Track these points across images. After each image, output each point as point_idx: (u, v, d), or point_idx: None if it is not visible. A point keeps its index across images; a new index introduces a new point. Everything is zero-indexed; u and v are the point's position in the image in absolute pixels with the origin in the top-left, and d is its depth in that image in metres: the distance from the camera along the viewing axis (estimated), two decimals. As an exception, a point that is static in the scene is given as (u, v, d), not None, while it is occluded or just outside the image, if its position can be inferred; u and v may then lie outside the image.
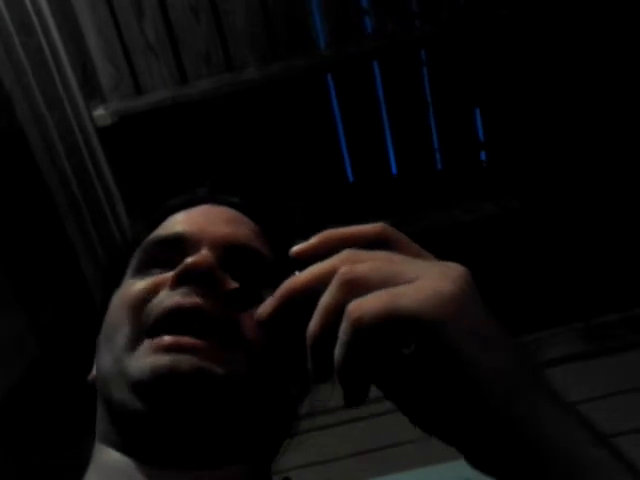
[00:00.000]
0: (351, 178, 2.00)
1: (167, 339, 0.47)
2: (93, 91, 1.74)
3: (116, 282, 0.57)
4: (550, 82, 1.85)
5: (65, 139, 1.68)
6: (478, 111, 1.94)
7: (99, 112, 1.72)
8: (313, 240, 0.40)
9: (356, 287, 0.34)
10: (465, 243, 1.92)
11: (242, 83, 1.76)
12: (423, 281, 0.34)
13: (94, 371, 0.57)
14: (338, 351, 0.34)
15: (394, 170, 1.99)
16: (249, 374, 0.48)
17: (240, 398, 0.48)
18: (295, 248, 0.41)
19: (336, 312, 0.34)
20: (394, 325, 0.32)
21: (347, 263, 0.36)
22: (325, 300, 0.35)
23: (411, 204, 1.98)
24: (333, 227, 0.40)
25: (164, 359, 0.46)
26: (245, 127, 1.89)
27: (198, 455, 0.48)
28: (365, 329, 0.32)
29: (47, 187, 1.73)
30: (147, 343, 0.48)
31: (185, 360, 0.46)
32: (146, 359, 0.47)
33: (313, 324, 0.35)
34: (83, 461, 0.53)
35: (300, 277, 0.38)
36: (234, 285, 0.50)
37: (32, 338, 1.86)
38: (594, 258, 1.97)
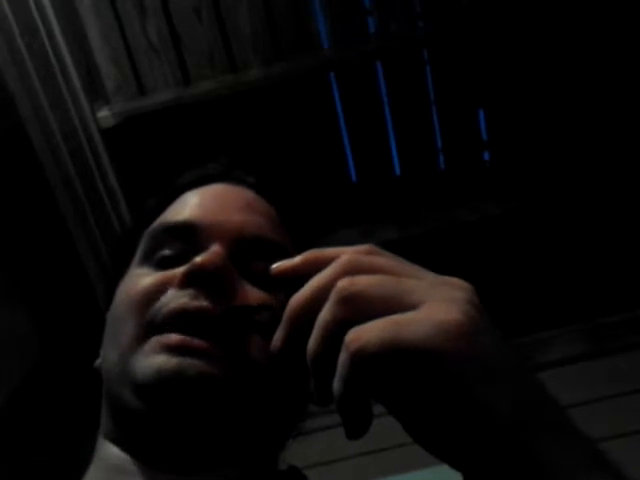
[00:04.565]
0: (354, 178, 2.00)
1: (175, 337, 0.45)
2: (97, 92, 1.75)
3: (124, 265, 0.55)
4: (553, 82, 1.85)
5: (68, 140, 1.68)
6: (481, 111, 1.94)
7: (103, 113, 1.72)
8: (297, 259, 0.38)
9: (356, 305, 0.32)
10: (468, 243, 1.92)
11: (245, 84, 1.76)
12: (428, 308, 0.32)
13: (101, 359, 0.55)
14: (337, 383, 0.32)
15: (397, 170, 1.99)
16: (253, 383, 0.47)
17: (242, 406, 0.47)
18: (276, 265, 0.39)
19: (335, 330, 0.32)
20: (397, 357, 0.30)
21: (347, 273, 0.34)
22: (323, 318, 0.33)
23: (414, 204, 1.98)
24: (320, 247, 0.38)
25: (171, 362, 0.44)
26: (248, 128, 1.89)
27: (196, 458, 0.47)
28: (365, 361, 0.30)
29: (50, 187, 1.73)
30: (154, 340, 0.46)
31: (192, 365, 0.44)
32: (153, 359, 0.45)
33: (312, 344, 0.33)
34: (84, 461, 0.52)
35: (300, 295, 0.35)
36: (240, 302, 0.48)
37: (34, 337, 1.86)
38: (597, 259, 1.96)
